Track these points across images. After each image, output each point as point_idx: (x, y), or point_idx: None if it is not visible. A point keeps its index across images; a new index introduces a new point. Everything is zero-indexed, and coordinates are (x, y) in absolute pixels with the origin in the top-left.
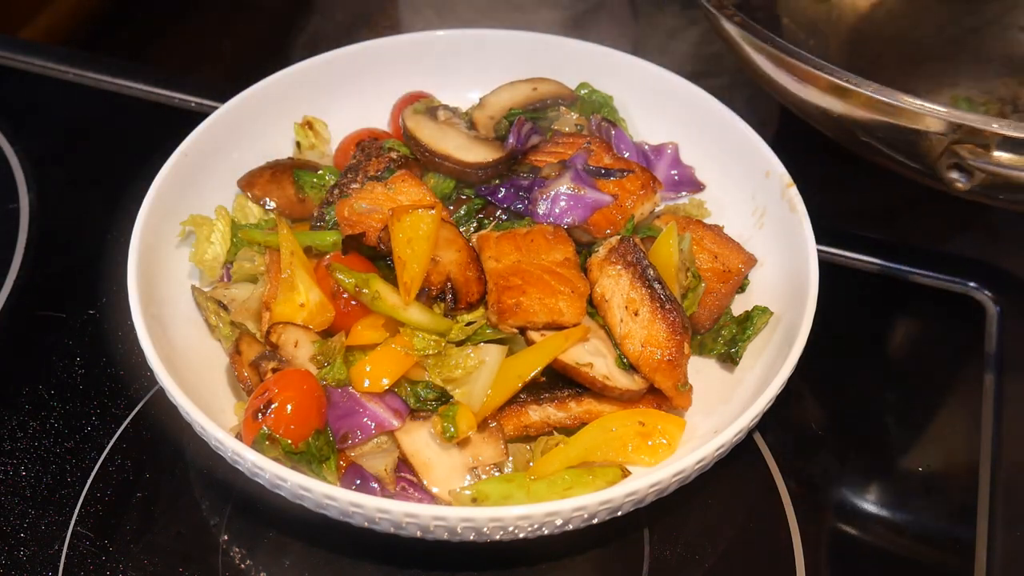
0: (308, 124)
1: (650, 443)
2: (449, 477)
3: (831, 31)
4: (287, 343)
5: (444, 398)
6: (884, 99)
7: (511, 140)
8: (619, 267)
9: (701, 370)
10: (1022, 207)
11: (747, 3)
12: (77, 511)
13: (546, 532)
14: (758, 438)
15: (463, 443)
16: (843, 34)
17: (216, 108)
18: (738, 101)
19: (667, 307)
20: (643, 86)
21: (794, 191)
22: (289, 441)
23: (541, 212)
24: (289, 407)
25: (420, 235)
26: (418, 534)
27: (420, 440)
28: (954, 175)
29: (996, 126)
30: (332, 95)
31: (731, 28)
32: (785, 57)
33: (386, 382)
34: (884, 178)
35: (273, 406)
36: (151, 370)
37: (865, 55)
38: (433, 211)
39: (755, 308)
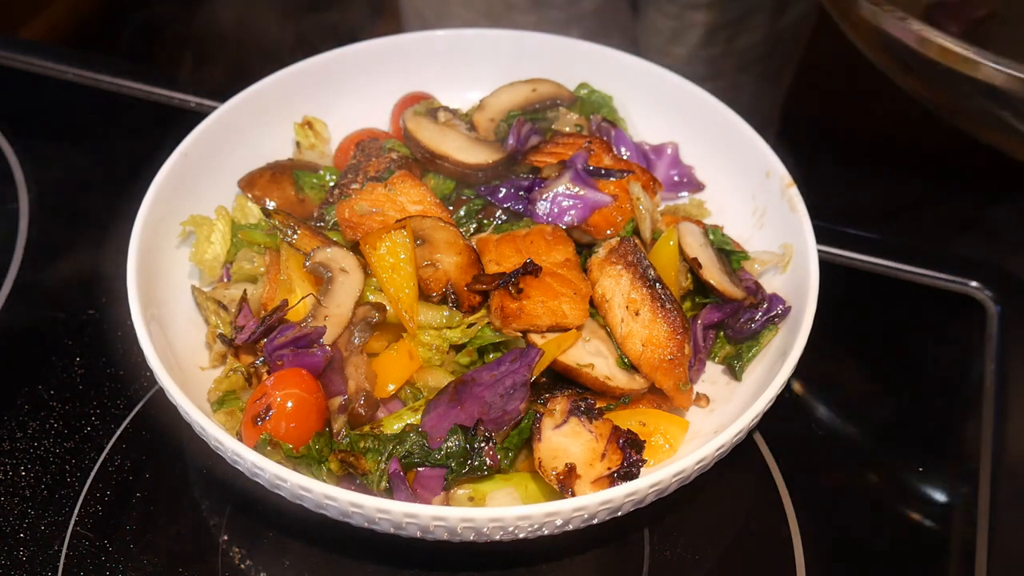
0: (308, 124)
1: (651, 443)
2: None
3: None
4: None
5: None
6: None
7: (511, 141)
8: (620, 267)
9: (701, 370)
10: None
11: None
12: (77, 511)
13: (546, 532)
14: (758, 438)
15: None
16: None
17: (216, 108)
18: (738, 101)
19: (668, 307)
20: (643, 86)
21: (794, 191)
22: (291, 446)
23: (541, 212)
24: (288, 410)
25: (400, 261)
26: (418, 534)
27: None
28: None
29: None
30: (332, 95)
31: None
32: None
33: (392, 388)
34: (884, 178)
35: (271, 412)
36: (151, 370)
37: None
38: (404, 231)
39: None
